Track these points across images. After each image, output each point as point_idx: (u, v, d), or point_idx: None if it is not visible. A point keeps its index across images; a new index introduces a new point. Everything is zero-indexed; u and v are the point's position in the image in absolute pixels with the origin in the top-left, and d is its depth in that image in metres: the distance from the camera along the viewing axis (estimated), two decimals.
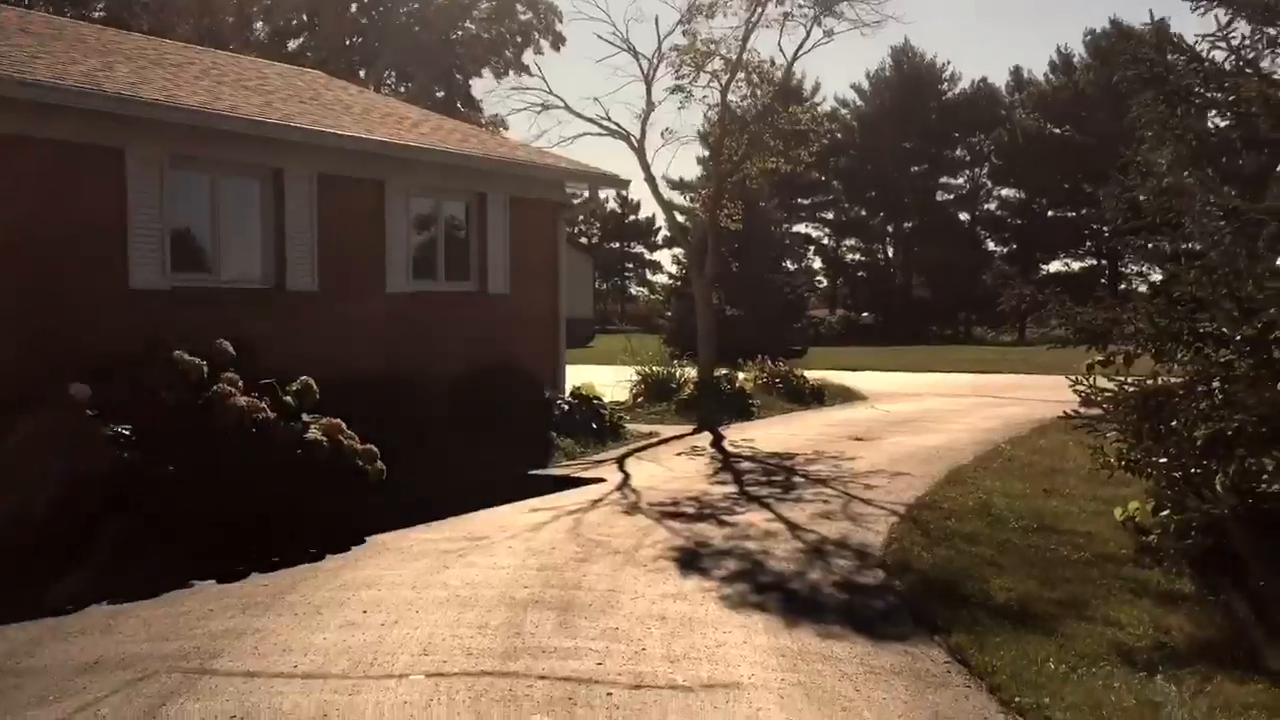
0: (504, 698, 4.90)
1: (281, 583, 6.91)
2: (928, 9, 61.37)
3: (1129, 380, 8.08)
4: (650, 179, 16.45)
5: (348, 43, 46.12)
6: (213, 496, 7.47)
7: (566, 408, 13.25)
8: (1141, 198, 7.95)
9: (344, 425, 8.40)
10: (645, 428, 14.91)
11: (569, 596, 6.61)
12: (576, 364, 20.29)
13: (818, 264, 78.45)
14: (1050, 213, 70.27)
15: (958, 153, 73.85)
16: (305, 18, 45.19)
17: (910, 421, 15.93)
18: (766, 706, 4.86)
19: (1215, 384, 7.76)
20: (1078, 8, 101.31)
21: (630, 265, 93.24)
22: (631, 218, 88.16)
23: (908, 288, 73.48)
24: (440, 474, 10.45)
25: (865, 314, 72.58)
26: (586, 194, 14.72)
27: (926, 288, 71.85)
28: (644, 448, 13.17)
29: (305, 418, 8.40)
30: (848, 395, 19.67)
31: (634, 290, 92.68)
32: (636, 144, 16.22)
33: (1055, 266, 71.15)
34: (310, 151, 11.19)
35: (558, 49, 46.85)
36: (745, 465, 11.91)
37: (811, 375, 20.41)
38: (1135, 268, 70.05)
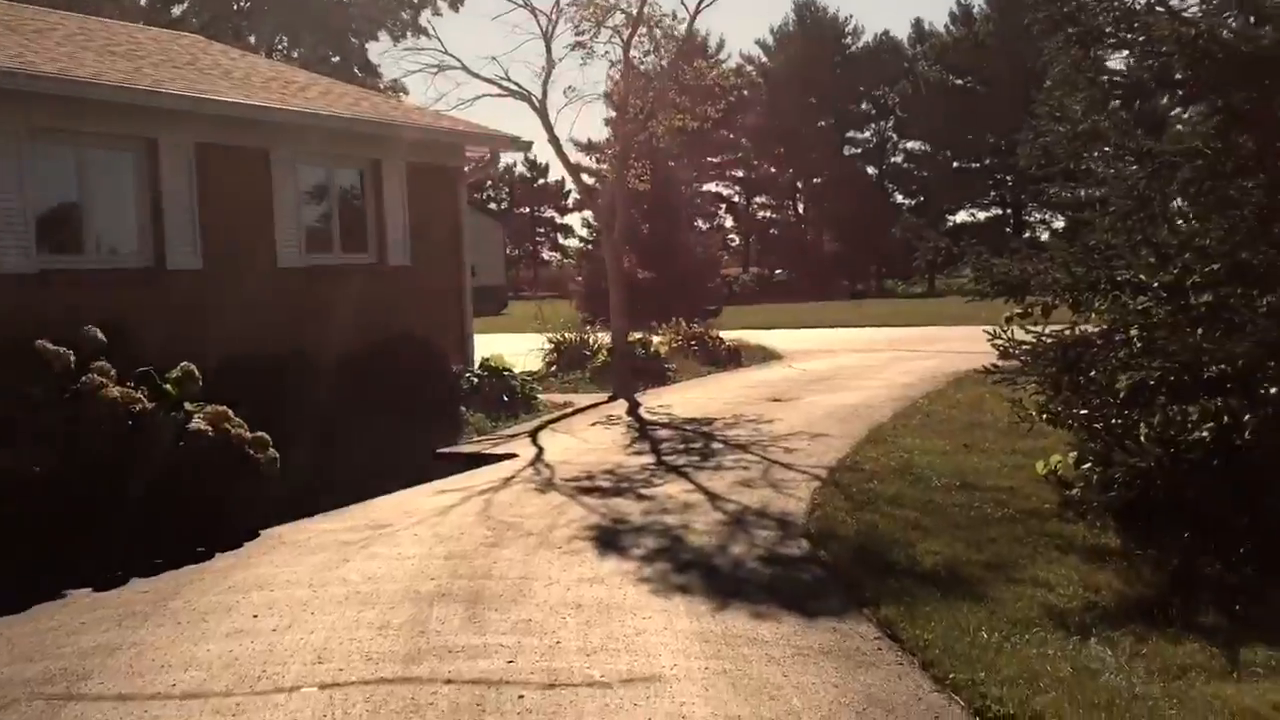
0: (405, 708, 4.49)
1: (164, 588, 6.38)
2: None
3: (1047, 331, 7.91)
4: (554, 140, 15.92)
5: (235, 7, 44.37)
6: (87, 497, 6.89)
7: (476, 381, 12.76)
8: (1054, 143, 7.72)
9: (230, 413, 7.83)
10: (559, 398, 14.50)
11: (478, 587, 6.20)
12: (489, 333, 19.86)
13: (730, 222, 78.52)
14: (955, 164, 71.05)
15: (863, 106, 74.26)
16: None
17: (827, 379, 15.77)
18: (690, 700, 4.53)
19: (1134, 332, 7.62)
20: None
21: (542, 230, 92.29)
22: (541, 181, 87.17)
23: (819, 243, 73.91)
24: (342, 458, 9.94)
25: (778, 271, 72.86)
26: (487, 157, 14.15)
27: (838, 242, 72.29)
28: (558, 419, 12.76)
29: (189, 406, 7.81)
30: (764, 355, 19.49)
31: (547, 255, 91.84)
32: (538, 104, 15.66)
33: (962, 217, 72.14)
34: (186, 120, 10.47)
35: (456, 9, 45.67)
36: (662, 433, 11.58)
37: (727, 336, 20.18)
38: (1039, 216, 71.58)
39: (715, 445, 10.68)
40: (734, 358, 18.23)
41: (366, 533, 7.56)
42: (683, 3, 15.44)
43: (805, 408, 12.94)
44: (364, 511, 8.28)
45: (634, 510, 8.03)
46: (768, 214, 78.28)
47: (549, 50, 15.67)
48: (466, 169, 14.29)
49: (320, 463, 9.57)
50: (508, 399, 12.74)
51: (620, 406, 13.73)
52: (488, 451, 10.77)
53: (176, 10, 43.79)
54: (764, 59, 74.53)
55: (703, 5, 15.72)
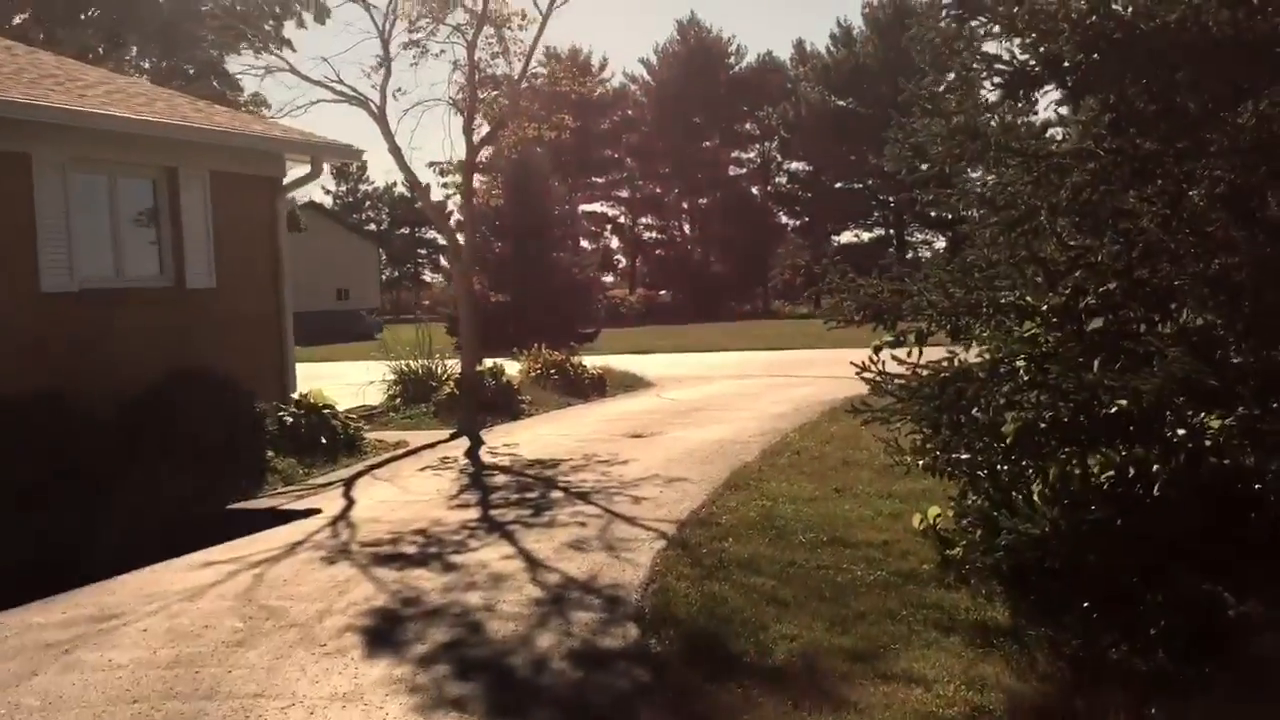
0: None
1: None
2: None
3: (922, 363, 6.76)
4: (395, 150, 14.44)
5: (83, 16, 41.60)
6: None
7: (290, 420, 11.13)
8: (926, 142, 6.57)
9: None
10: (396, 435, 12.95)
11: (194, 713, 4.69)
12: (346, 361, 18.14)
13: (615, 243, 77.57)
14: (838, 184, 71.28)
15: (748, 126, 74.12)
16: None
17: (696, 411, 14.52)
18: None
19: (1020, 363, 6.50)
20: None
21: (424, 251, 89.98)
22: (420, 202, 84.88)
23: (706, 264, 73.34)
24: (103, 518, 8.28)
25: (663, 292, 72.04)
26: (309, 168, 12.56)
27: (724, 264, 71.80)
28: (385, 462, 11.22)
29: None
30: (632, 383, 18.20)
31: (429, 277, 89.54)
32: (377, 109, 14.18)
33: (846, 238, 72.43)
34: None
35: (322, 21, 43.55)
36: (498, 479, 10.13)
37: (594, 362, 18.84)
38: (922, 236, 72.29)
39: (555, 494, 9.28)
40: (598, 387, 16.89)
41: (83, 628, 5.95)
42: (535, 3, 13.99)
43: (666, 445, 11.65)
44: (96, 595, 6.64)
45: (434, 586, 6.57)
46: (654, 234, 77.51)
47: (386, 50, 14.25)
48: (286, 180, 12.65)
49: (76, 525, 7.93)
50: (327, 440, 11.16)
51: (460, 446, 12.24)
52: (287, 507, 9.19)
53: (18, 19, 40.87)
54: (648, 78, 73.89)
55: (556, 4, 14.38)
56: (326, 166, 12.77)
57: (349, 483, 10.15)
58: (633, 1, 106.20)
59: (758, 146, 75.39)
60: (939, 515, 7.21)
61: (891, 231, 71.30)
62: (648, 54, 77.12)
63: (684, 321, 51.45)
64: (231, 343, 11.35)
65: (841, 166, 70.33)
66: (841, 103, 69.44)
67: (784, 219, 74.20)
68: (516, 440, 12.44)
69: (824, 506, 8.39)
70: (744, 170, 75.52)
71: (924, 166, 6.89)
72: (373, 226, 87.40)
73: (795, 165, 73.93)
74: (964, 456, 6.75)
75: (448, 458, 11.42)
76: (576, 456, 11.09)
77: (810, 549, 7.20)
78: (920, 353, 6.84)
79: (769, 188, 74.95)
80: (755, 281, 70.99)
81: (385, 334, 40.01)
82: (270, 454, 10.50)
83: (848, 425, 12.17)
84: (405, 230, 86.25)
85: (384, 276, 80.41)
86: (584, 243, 68.91)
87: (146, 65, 40.64)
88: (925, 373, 6.76)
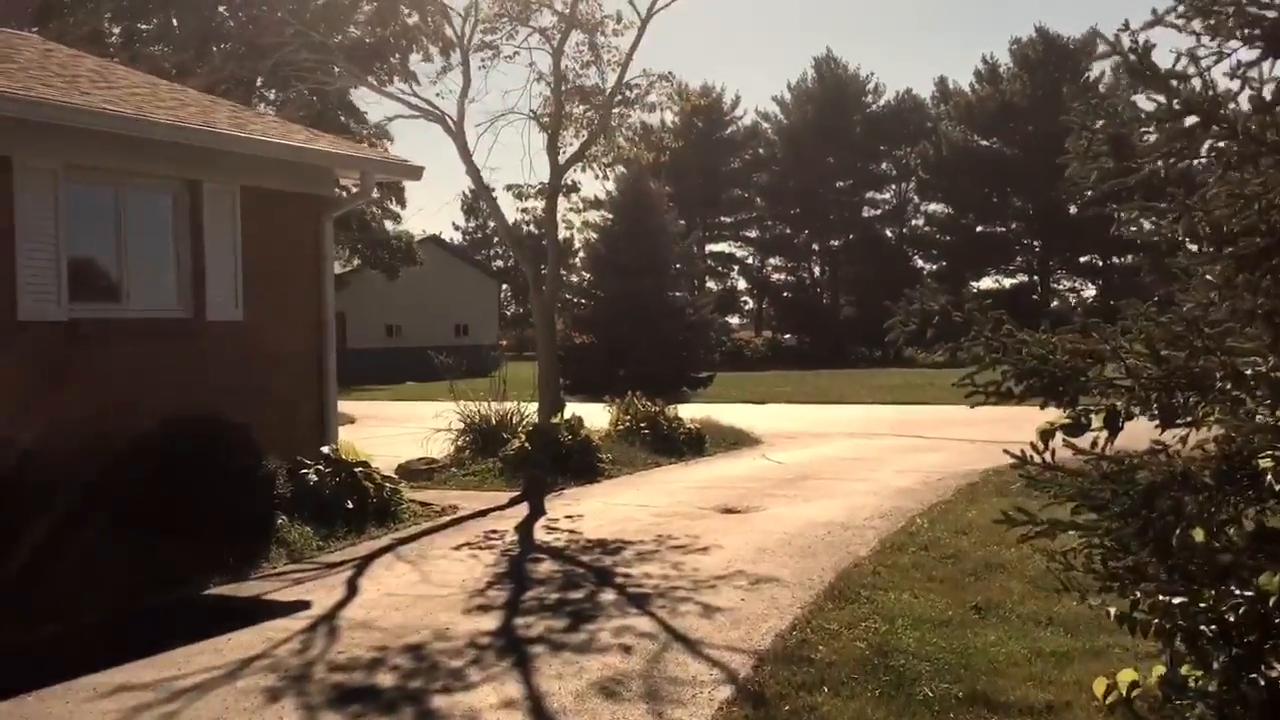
0: None
1: None
2: (848, 13, 58.73)
3: (1108, 453, 4.59)
4: (474, 170, 12.79)
5: (215, 49, 41.88)
6: None
7: (315, 480, 9.38)
8: (1130, 125, 4.40)
9: None
10: (450, 496, 11.15)
11: None
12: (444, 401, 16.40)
13: (742, 284, 75.48)
14: (979, 228, 67.87)
15: (884, 167, 71.35)
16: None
17: (804, 479, 12.28)
18: None
19: (1266, 463, 4.29)
20: (1002, 17, 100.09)
21: None
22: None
23: (835, 308, 70.56)
24: (47, 604, 6.63)
25: (788, 335, 69.55)
26: (358, 186, 10.92)
27: (854, 307, 68.87)
28: (418, 536, 9.35)
29: None
30: (737, 440, 16.04)
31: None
32: (454, 124, 12.57)
33: (987, 284, 68.85)
34: None
35: (447, 55, 42.98)
36: (544, 568, 8.13)
37: (696, 413, 16.78)
38: (1069, 284, 68.17)
39: (605, 595, 7.23)
40: (695, 444, 14.80)
41: None
42: (632, 4, 12.29)
43: (761, 526, 9.50)
44: None
45: None
46: (782, 276, 75.11)
47: (466, 61, 12.56)
48: (343, 197, 11.04)
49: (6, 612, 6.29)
50: (355, 505, 9.35)
51: (516, 516, 10.30)
52: (273, 596, 7.37)
53: (157, 48, 41.41)
54: (780, 116, 71.83)
55: (657, 7, 12.51)
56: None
57: (364, 562, 8.31)
58: (769, 38, 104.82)
59: (894, 187, 72.46)
60: (1136, 680, 4.94)
61: (1036, 278, 67.40)
62: (782, 92, 75.01)
63: (810, 366, 48.92)
64: (261, 383, 9.72)
65: (983, 208, 66.96)
66: (985, 142, 66.22)
67: (919, 262, 70.91)
68: (583, 511, 10.44)
69: (959, 636, 6.15)
70: (878, 211, 72.61)
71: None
72: (500, 263, 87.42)
73: (933, 207, 70.80)
74: (1175, 601, 4.51)
75: (494, 532, 9.49)
76: (648, 538, 9.03)
77: (941, 712, 5.00)
78: (1110, 442, 4.67)
79: (904, 230, 71.86)
80: (886, 327, 67.86)
81: (505, 371, 38.60)
82: (282, 521, 8.75)
83: (990, 508, 9.85)
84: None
85: (508, 313, 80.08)
86: (709, 283, 67.09)
87: (272, 95, 40.62)
88: (1114, 467, 4.60)
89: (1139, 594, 4.64)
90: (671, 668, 5.70)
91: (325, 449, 9.93)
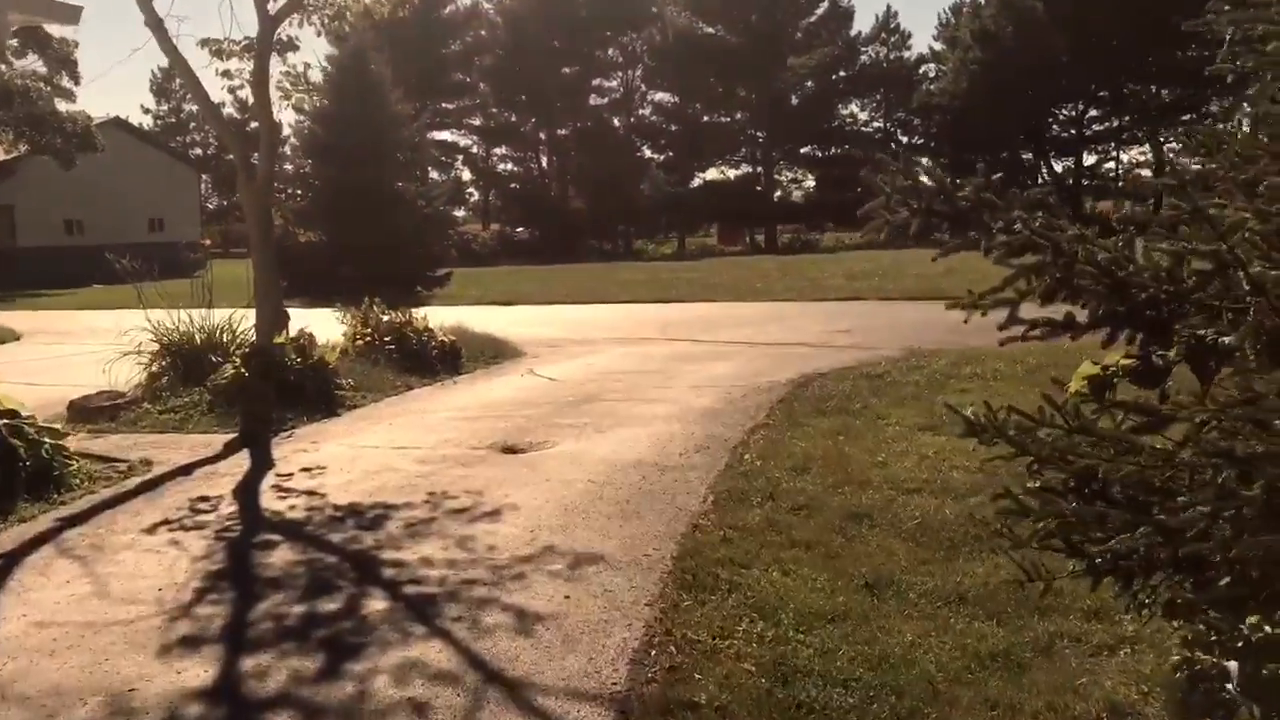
0: None
1: None
2: None
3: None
4: (156, 22, 9.85)
5: None
6: None
7: None
8: None
9: None
10: (148, 443, 8.58)
11: None
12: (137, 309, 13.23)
13: (467, 175, 72.29)
14: (705, 118, 67.64)
15: (610, 53, 69.46)
16: None
17: (589, 401, 10.44)
18: None
19: None
20: None
21: None
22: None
23: (564, 199, 68.81)
24: None
25: (520, 229, 67.39)
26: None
27: (585, 199, 67.41)
28: (97, 510, 6.80)
29: None
30: (497, 351, 13.95)
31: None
32: None
33: (712, 175, 69.19)
34: None
35: None
36: (280, 556, 5.88)
37: (445, 319, 14.56)
38: (790, 174, 69.44)
39: (375, 602, 5.13)
40: (451, 359, 12.63)
41: None
42: None
43: (555, 469, 7.60)
44: None
45: None
46: (510, 166, 72.46)
47: None
48: None
49: None
50: None
51: (235, 471, 7.88)
52: None
53: None
54: None
55: None
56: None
57: (6, 564, 5.78)
58: None
59: (621, 75, 70.92)
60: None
61: (760, 169, 68.16)
62: None
63: (541, 261, 47.09)
64: None
65: (710, 98, 66.68)
66: (710, 30, 65.58)
67: (648, 153, 70.17)
68: (325, 459, 8.16)
69: (867, 637, 4.57)
70: (605, 100, 71.01)
71: None
72: (199, 151, 79.78)
73: (661, 96, 69.88)
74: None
75: (205, 499, 7.08)
76: (418, 498, 6.94)
77: None
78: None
79: (632, 119, 70.66)
80: (617, 219, 66.77)
81: (211, 273, 34.31)
82: None
83: (817, 433, 8.43)
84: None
85: (210, 206, 73.39)
86: (433, 173, 63.55)
87: None
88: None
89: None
90: None
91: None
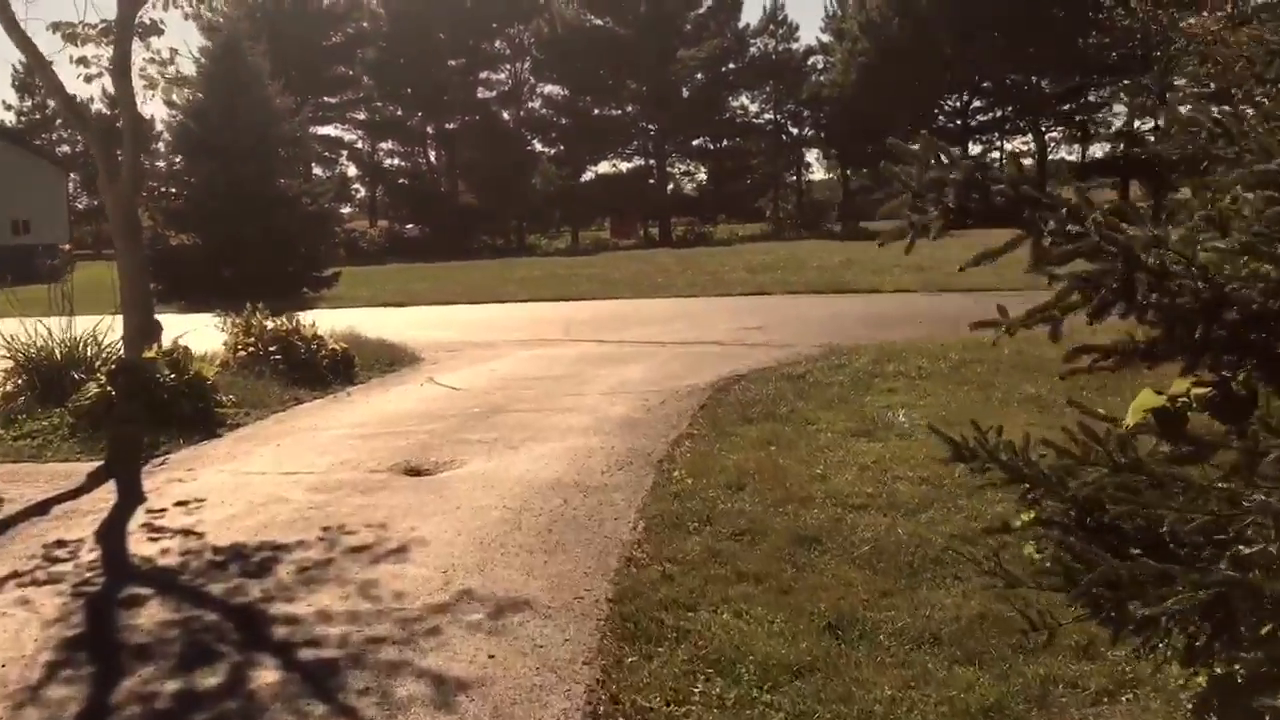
0: None
1: None
2: None
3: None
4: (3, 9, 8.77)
5: None
6: None
7: None
8: None
9: None
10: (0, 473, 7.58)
11: None
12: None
13: (353, 171, 70.31)
14: (596, 111, 66.94)
15: (498, 45, 68.24)
16: None
17: (497, 412, 9.67)
18: None
19: None
20: None
21: None
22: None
23: (454, 195, 67.41)
24: None
25: (410, 226, 65.81)
26: None
27: (475, 194, 66.12)
28: None
29: None
30: (391, 357, 13.04)
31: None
32: None
33: (604, 168, 68.65)
34: None
35: None
36: (150, 616, 5.02)
37: (335, 323, 13.63)
38: (683, 167, 69.23)
39: (264, 673, 4.35)
40: (344, 369, 11.73)
41: None
42: None
43: (466, 494, 6.86)
44: None
45: None
46: (396, 161, 70.68)
47: None
48: None
49: None
50: None
51: (100, 506, 6.95)
52: None
53: None
54: None
55: None
56: None
57: None
58: None
59: (509, 67, 69.74)
60: None
61: (652, 162, 67.77)
62: None
63: (432, 258, 45.83)
64: None
65: (600, 91, 66.00)
66: (599, 21, 64.88)
67: (539, 146, 69.18)
68: (203, 489, 7.27)
69: (843, 697, 4.01)
70: (494, 93, 69.74)
71: None
72: (67, 149, 76.01)
73: (550, 89, 68.95)
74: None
75: (64, 543, 6.16)
76: (311, 535, 6.13)
77: None
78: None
79: (521, 113, 69.56)
80: (508, 214, 65.61)
81: (78, 277, 32.26)
82: None
83: (745, 443, 7.87)
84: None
85: (79, 206, 69.99)
86: (317, 170, 61.58)
87: None
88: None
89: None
90: None
91: None
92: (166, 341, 9.99)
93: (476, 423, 9.16)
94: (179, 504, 6.90)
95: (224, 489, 7.23)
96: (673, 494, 6.63)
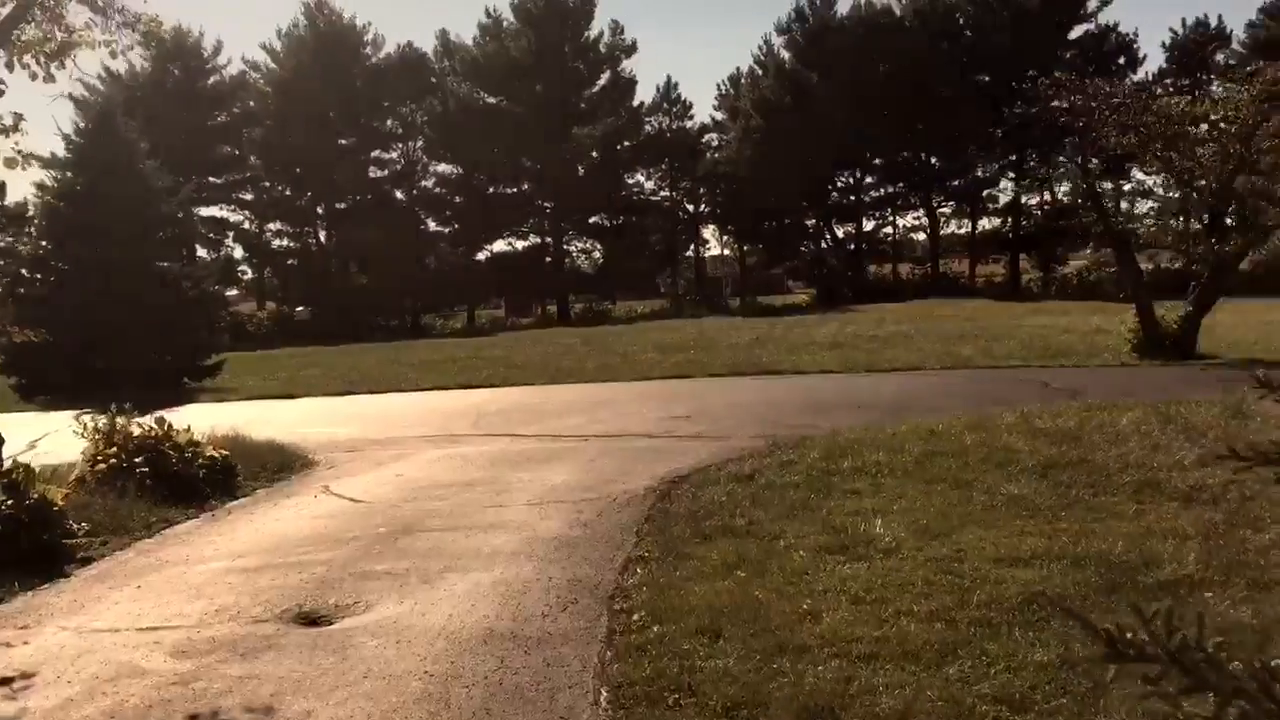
0: None
1: None
2: None
3: None
4: None
5: None
6: None
7: None
8: None
9: None
10: None
11: None
12: None
13: (240, 252, 67.76)
14: (491, 189, 65.90)
15: (389, 124, 66.93)
16: None
17: (407, 533, 8.24)
18: None
19: None
20: None
21: None
22: None
23: (345, 275, 65.36)
24: None
25: (300, 308, 63.49)
26: None
27: (367, 275, 64.16)
28: None
29: None
30: (281, 462, 11.46)
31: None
32: None
33: (500, 246, 67.65)
34: None
35: None
36: None
37: (219, 421, 12.06)
38: (580, 245, 68.54)
39: None
40: (223, 480, 10.16)
41: None
42: None
43: (376, 655, 5.47)
44: None
45: None
46: (285, 242, 68.34)
47: None
48: None
49: None
50: None
51: None
52: None
53: None
54: (272, 65, 64.83)
55: None
56: None
57: None
58: None
59: (401, 146, 68.34)
60: None
61: (549, 240, 66.88)
62: (271, 39, 67.40)
63: (324, 341, 43.80)
64: None
65: (495, 169, 65.08)
66: (493, 100, 64.18)
67: (433, 225, 67.73)
68: (36, 659, 5.71)
69: None
70: (386, 172, 68.18)
71: None
72: None
73: (443, 167, 67.74)
74: None
75: None
76: None
77: None
78: None
79: (415, 191, 68.12)
80: (402, 295, 63.74)
81: None
82: None
83: (711, 566, 6.66)
84: None
85: None
86: (202, 251, 59.10)
87: None
88: None
89: None
90: None
91: None
92: (12, 450, 8.38)
93: (383, 547, 7.75)
94: (2, 680, 5.36)
95: (63, 658, 5.69)
96: (636, 647, 5.36)
